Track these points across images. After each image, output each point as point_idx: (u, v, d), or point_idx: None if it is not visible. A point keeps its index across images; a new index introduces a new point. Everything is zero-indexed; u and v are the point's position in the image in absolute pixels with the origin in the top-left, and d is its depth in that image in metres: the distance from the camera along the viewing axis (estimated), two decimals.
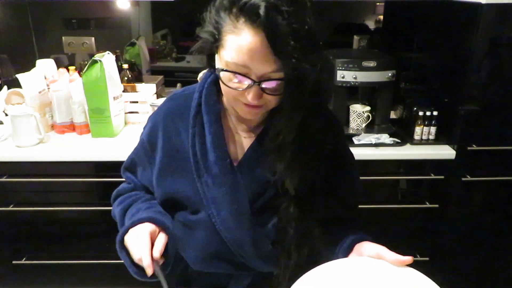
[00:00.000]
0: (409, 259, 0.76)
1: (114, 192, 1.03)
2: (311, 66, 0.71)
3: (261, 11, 0.66)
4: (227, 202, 0.87)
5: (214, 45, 0.76)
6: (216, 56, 0.78)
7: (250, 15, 0.68)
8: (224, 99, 0.90)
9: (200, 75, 1.96)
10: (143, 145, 0.96)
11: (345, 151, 1.00)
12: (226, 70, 0.74)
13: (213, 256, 0.93)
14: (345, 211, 0.96)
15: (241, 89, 0.75)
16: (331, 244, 0.89)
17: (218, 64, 0.78)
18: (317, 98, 0.78)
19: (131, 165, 1.02)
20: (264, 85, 0.74)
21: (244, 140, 0.92)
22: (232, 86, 0.76)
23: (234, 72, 0.73)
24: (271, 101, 0.77)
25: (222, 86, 0.79)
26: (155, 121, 0.94)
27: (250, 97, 0.75)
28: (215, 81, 0.89)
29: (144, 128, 0.99)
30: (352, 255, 0.84)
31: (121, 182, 1.66)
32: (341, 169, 0.95)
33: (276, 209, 0.89)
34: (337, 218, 0.94)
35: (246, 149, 0.91)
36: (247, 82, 0.74)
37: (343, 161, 0.97)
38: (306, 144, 0.82)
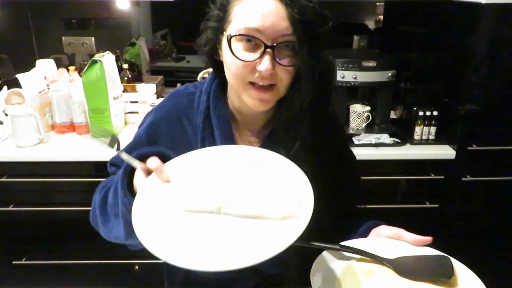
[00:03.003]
0: (429, 239, 0.77)
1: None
2: (323, 23, 0.72)
3: None
4: None
5: (220, 29, 0.76)
6: (223, 40, 0.77)
7: None
8: (234, 91, 0.85)
9: (200, 75, 1.96)
10: (140, 139, 0.91)
11: (349, 149, 1.01)
12: (238, 35, 0.72)
13: None
14: (350, 206, 0.98)
15: (254, 59, 0.73)
16: (343, 236, 0.88)
17: (225, 44, 0.75)
18: (325, 73, 0.79)
19: (120, 160, 0.92)
20: (277, 53, 0.73)
21: (252, 144, 0.91)
22: (244, 58, 0.73)
23: (246, 35, 0.72)
24: (283, 79, 0.76)
25: (232, 67, 0.76)
26: (156, 117, 0.90)
27: (263, 66, 0.73)
28: (221, 84, 0.88)
29: (141, 124, 0.95)
30: (370, 237, 0.84)
31: None
32: (346, 167, 0.97)
33: None
34: (344, 213, 0.95)
35: None
36: (259, 50, 0.73)
37: (347, 159, 0.99)
38: (317, 135, 0.82)
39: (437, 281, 0.70)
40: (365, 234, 0.85)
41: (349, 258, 0.76)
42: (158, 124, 0.89)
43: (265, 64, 0.72)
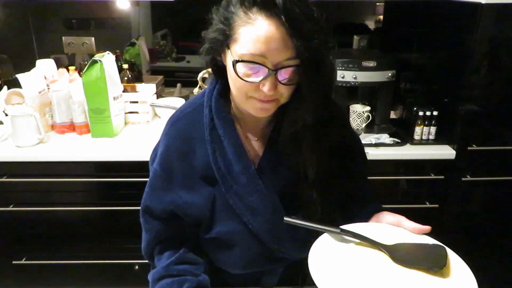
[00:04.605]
0: (427, 228, 0.80)
1: (152, 276, 0.97)
2: (328, 46, 0.75)
3: None
4: (263, 208, 0.89)
5: (225, 42, 0.77)
6: (228, 52, 0.78)
7: (265, 4, 0.71)
8: (235, 99, 0.87)
9: (200, 75, 1.96)
10: (156, 174, 0.93)
11: (351, 130, 1.06)
12: (242, 61, 0.74)
13: (254, 258, 0.95)
14: (357, 188, 1.01)
15: (257, 81, 0.75)
16: (347, 218, 0.91)
17: (230, 60, 0.77)
18: (329, 80, 0.83)
19: (157, 205, 0.95)
20: (280, 74, 0.75)
21: (256, 144, 0.93)
22: (248, 79, 0.76)
23: (251, 62, 0.74)
24: (284, 94, 0.79)
25: (236, 83, 0.78)
26: (164, 146, 0.92)
27: (266, 88, 0.75)
28: (221, 92, 0.89)
29: (152, 159, 0.97)
30: (371, 222, 0.87)
31: (121, 182, 1.67)
32: (351, 150, 1.01)
33: (301, 199, 0.92)
34: (352, 197, 0.98)
35: (262, 152, 0.92)
36: (263, 73, 0.74)
37: (351, 142, 1.03)
38: (321, 130, 0.85)
39: (430, 270, 0.71)
40: (367, 219, 0.89)
41: (348, 242, 0.80)
42: (167, 153, 0.91)
43: (268, 86, 0.75)
